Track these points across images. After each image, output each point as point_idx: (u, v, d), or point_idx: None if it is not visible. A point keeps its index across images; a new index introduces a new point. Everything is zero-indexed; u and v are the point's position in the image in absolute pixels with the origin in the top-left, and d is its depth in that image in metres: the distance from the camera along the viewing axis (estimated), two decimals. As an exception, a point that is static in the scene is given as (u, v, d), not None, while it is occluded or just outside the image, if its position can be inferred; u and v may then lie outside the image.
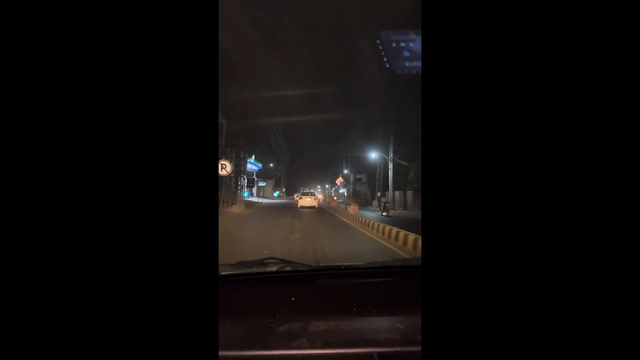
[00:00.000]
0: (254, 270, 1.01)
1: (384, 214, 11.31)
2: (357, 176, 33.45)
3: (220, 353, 0.51)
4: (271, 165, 38.85)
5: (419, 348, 0.58)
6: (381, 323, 0.71)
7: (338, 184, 35.00)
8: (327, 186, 46.02)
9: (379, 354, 0.59)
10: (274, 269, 1.01)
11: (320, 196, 23.30)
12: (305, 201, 15.41)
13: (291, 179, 55.57)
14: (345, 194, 35.10)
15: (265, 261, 1.08)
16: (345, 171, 33.01)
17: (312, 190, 23.87)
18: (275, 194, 40.67)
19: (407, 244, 4.28)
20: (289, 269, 1.02)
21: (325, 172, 48.37)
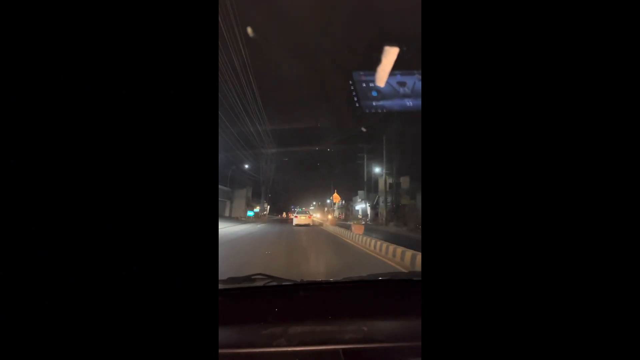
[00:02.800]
0: (243, 285, 1.14)
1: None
2: (398, 180, 18.80)
3: None
4: (246, 166, 24.31)
5: (377, 345, 0.73)
6: (349, 326, 0.83)
7: (336, 202, 27.55)
8: (328, 201, 35.99)
9: (344, 350, 0.70)
10: (261, 284, 1.14)
11: (318, 215, 24.42)
12: (301, 219, 16.75)
13: (280, 194, 42.79)
14: (369, 212, 22.92)
15: (253, 277, 1.20)
16: (377, 169, 19.44)
17: (304, 208, 25.16)
18: (251, 214, 24.97)
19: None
20: (274, 283, 1.15)
21: (323, 187, 40.31)
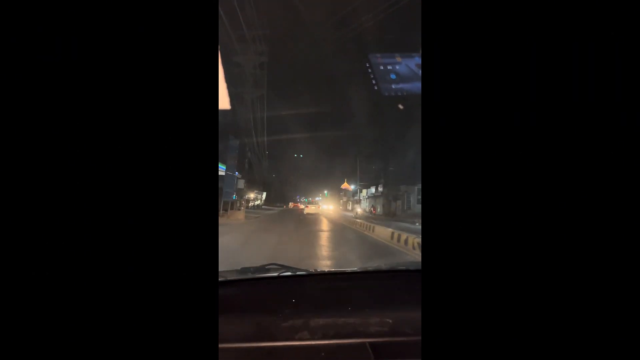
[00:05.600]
0: (257, 275, 1.12)
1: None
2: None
3: (231, 345, 0.55)
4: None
5: (405, 338, 0.70)
6: (372, 318, 0.79)
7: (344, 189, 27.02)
8: (352, 187, 28.63)
9: (370, 344, 0.67)
10: (275, 274, 1.11)
11: (331, 206, 24.93)
12: (311, 209, 19.95)
13: (287, 179, 37.58)
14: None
15: (267, 267, 1.18)
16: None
17: (310, 199, 28.93)
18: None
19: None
20: (288, 273, 1.12)
21: (340, 170, 34.64)
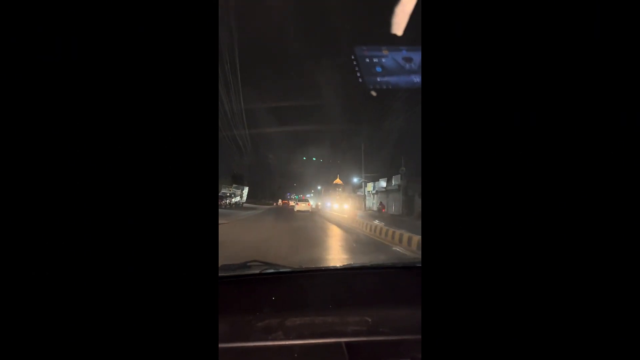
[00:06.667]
0: (238, 272, 1.08)
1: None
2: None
3: None
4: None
5: (383, 338, 0.69)
6: (352, 317, 0.78)
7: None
8: (356, 179, 24.30)
9: (347, 343, 0.65)
10: (257, 271, 1.08)
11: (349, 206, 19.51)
12: (301, 207, 18.05)
13: (275, 174, 36.36)
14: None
15: (249, 264, 1.14)
16: None
17: (301, 196, 26.63)
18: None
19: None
20: (271, 270, 1.09)
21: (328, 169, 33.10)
